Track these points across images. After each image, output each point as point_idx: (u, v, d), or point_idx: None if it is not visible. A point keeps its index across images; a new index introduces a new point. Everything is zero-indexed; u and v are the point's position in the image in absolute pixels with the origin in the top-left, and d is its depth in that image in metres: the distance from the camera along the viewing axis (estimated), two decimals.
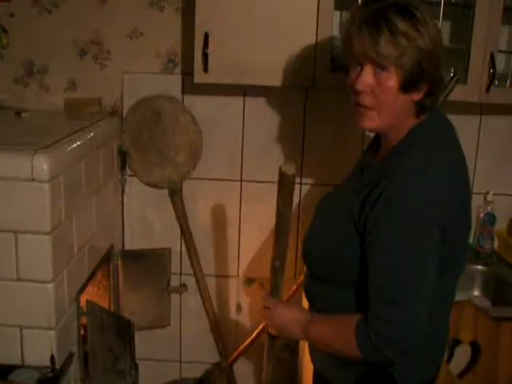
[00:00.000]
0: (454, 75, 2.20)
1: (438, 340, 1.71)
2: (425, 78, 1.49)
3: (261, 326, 2.55)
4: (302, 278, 2.26)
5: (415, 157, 1.50)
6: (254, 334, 2.63)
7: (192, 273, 2.88)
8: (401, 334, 1.45)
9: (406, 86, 1.49)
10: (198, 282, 2.85)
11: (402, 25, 1.44)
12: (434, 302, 1.52)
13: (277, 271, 1.84)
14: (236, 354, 2.77)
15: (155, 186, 2.78)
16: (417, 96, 1.51)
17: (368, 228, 1.51)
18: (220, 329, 2.93)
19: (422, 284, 1.47)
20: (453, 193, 1.51)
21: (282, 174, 1.65)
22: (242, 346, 2.72)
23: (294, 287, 2.54)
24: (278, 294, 1.87)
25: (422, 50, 1.46)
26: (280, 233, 1.78)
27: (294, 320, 1.72)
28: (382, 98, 1.51)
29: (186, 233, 2.80)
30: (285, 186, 1.66)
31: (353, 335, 1.51)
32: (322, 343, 1.67)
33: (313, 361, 1.87)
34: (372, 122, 1.56)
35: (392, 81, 1.49)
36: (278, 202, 1.71)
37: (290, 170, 1.63)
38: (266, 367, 2.12)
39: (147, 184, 2.79)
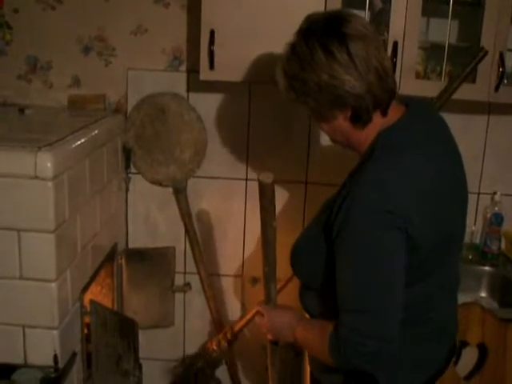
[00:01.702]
0: (482, 48, 2.13)
1: (426, 345, 1.65)
2: (328, 108, 1.51)
3: (254, 310, 2.52)
4: (291, 274, 2.26)
5: (373, 167, 1.47)
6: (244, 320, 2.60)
7: (196, 272, 2.86)
8: (367, 343, 1.44)
9: (320, 119, 1.56)
10: (202, 281, 2.83)
11: (288, 67, 1.52)
12: (414, 308, 1.52)
13: (267, 278, 1.87)
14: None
15: (159, 184, 2.76)
16: (341, 119, 1.53)
17: (333, 239, 1.50)
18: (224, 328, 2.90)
19: (385, 293, 1.45)
20: (416, 197, 1.46)
21: (260, 184, 1.64)
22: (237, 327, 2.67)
23: (283, 283, 2.51)
24: (272, 300, 1.91)
25: (311, 88, 1.49)
26: (266, 241, 1.81)
27: (285, 324, 1.76)
28: (319, 128, 1.63)
29: (190, 231, 2.78)
30: (264, 194, 1.68)
31: (326, 344, 1.52)
32: (306, 347, 1.74)
33: (309, 363, 1.89)
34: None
35: (310, 114, 1.58)
36: (261, 211, 1.73)
37: (268, 178, 1.62)
38: (272, 376, 2.12)
39: (151, 182, 2.77)
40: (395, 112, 1.56)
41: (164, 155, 2.69)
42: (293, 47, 1.51)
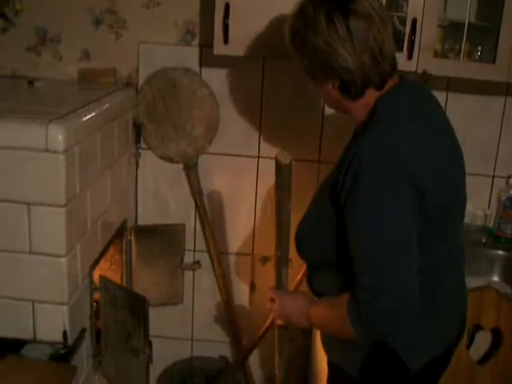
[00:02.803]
0: (424, 72, 2.26)
1: (436, 314, 1.67)
2: (319, 72, 1.59)
3: (268, 322, 2.51)
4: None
5: (375, 129, 1.53)
6: (262, 330, 2.59)
7: (206, 250, 2.83)
8: (388, 302, 1.43)
9: (313, 80, 1.64)
10: (212, 259, 2.80)
11: (294, 23, 1.58)
12: (427, 273, 1.52)
13: (279, 261, 1.86)
14: (245, 353, 2.73)
15: (170, 160, 2.72)
16: (331, 86, 1.59)
17: (342, 204, 1.52)
18: (233, 308, 2.89)
19: (402, 250, 1.46)
20: (421, 154, 1.51)
21: (277, 163, 1.66)
22: (250, 345, 2.68)
23: (299, 277, 2.49)
24: (283, 284, 1.90)
25: (308, 47, 1.55)
26: (280, 223, 1.81)
27: (297, 308, 1.75)
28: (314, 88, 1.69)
29: (200, 209, 2.75)
30: (281, 175, 1.68)
31: (346, 313, 1.50)
32: (322, 327, 1.72)
33: (324, 349, 1.87)
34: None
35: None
36: (275, 192, 1.71)
37: (286, 159, 1.64)
38: (278, 363, 2.11)
39: (162, 158, 2.73)
40: (391, 81, 1.61)
41: (175, 131, 2.65)
42: (301, 7, 1.57)
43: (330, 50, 1.51)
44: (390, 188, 1.45)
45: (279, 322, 1.93)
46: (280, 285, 1.92)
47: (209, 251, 2.80)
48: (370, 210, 1.46)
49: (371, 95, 1.59)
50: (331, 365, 1.85)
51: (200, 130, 2.66)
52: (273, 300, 1.84)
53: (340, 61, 1.52)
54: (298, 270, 2.39)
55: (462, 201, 1.76)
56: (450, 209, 1.63)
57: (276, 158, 1.65)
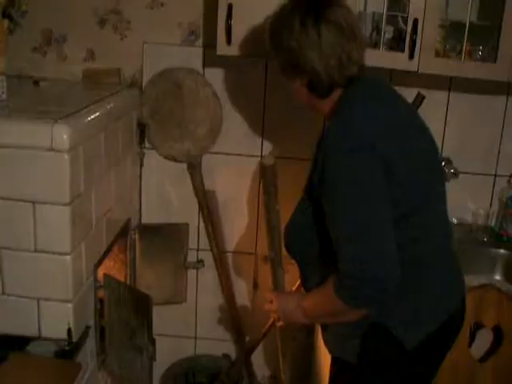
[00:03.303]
0: (418, 94, 2.35)
1: (426, 287, 1.72)
2: (289, 70, 1.73)
3: (271, 320, 2.53)
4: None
5: (338, 117, 1.67)
6: (265, 329, 2.60)
7: (209, 248, 2.85)
8: (369, 266, 1.50)
9: (285, 76, 1.77)
10: (215, 258, 2.82)
11: (273, 23, 1.74)
12: (411, 248, 1.62)
13: (273, 262, 1.90)
14: (248, 351, 2.75)
15: (174, 159, 2.74)
16: (299, 83, 1.73)
17: (317, 192, 1.64)
18: (236, 306, 2.91)
19: (377, 220, 1.54)
20: (382, 129, 1.63)
21: (262, 166, 1.78)
22: (253, 344, 2.68)
23: (298, 282, 2.51)
24: (280, 285, 1.95)
25: (281, 46, 1.69)
26: (270, 225, 1.84)
27: (294, 305, 1.81)
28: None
29: (203, 208, 2.77)
30: (266, 177, 1.73)
31: (332, 289, 1.58)
32: (316, 315, 1.77)
33: (324, 343, 1.91)
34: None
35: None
36: (263, 194, 1.77)
37: (270, 160, 1.75)
38: (283, 366, 2.13)
39: (166, 157, 2.75)
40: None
41: (179, 130, 2.67)
42: (281, 9, 1.73)
43: (301, 51, 1.65)
44: (357, 166, 1.55)
45: (280, 323, 1.98)
46: (277, 285, 1.95)
47: (212, 250, 2.82)
48: (341, 188, 1.56)
49: (338, 94, 1.72)
50: (333, 359, 1.89)
51: (203, 130, 2.68)
52: (271, 301, 1.90)
53: (308, 61, 1.66)
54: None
55: (438, 172, 1.85)
56: (424, 177, 1.71)
57: (261, 162, 1.76)
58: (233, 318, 2.91)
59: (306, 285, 1.86)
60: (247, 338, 2.97)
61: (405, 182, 1.61)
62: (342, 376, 1.83)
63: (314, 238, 1.75)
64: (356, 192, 1.54)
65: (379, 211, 1.55)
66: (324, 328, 1.87)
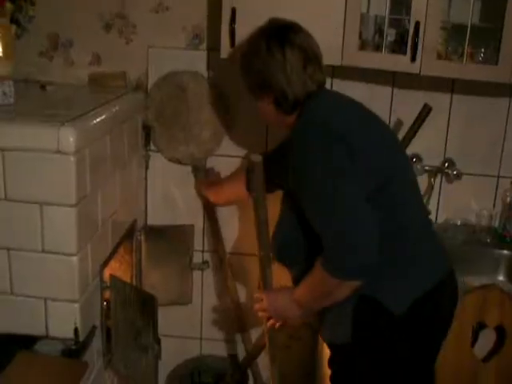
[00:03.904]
0: (424, 106, 2.38)
1: (409, 257, 1.81)
2: (257, 90, 1.91)
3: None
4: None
5: (300, 120, 1.84)
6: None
7: (214, 250, 2.87)
8: (347, 236, 1.60)
9: (253, 95, 1.96)
10: (221, 258, 2.83)
11: (244, 48, 1.95)
12: (388, 216, 1.72)
13: (263, 261, 1.93)
14: (254, 353, 2.77)
15: (179, 162, 2.76)
16: (266, 101, 1.90)
17: (292, 187, 1.78)
18: (242, 306, 2.92)
19: (346, 190, 1.64)
20: (347, 120, 1.81)
21: (249, 163, 1.85)
22: (259, 345, 2.70)
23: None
24: (269, 284, 1.96)
25: (250, 68, 1.90)
26: (259, 223, 1.88)
27: (286, 298, 1.88)
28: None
29: (209, 210, 2.79)
30: (253, 173, 1.79)
31: (322, 269, 1.66)
32: (311, 300, 1.82)
33: (320, 334, 1.99)
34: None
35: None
36: (251, 193, 1.81)
37: (257, 158, 1.82)
38: (272, 371, 2.14)
39: (171, 160, 2.77)
40: None
41: (184, 133, 2.70)
42: (252, 35, 1.92)
43: (266, 73, 1.84)
44: (321, 148, 1.69)
45: (271, 321, 2.02)
46: (266, 284, 1.98)
47: (218, 251, 2.83)
48: (310, 170, 1.68)
49: (300, 108, 1.87)
50: (329, 347, 1.95)
51: (208, 133, 2.70)
52: (261, 300, 1.97)
53: (274, 81, 1.83)
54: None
55: (397, 146, 1.99)
56: (386, 151, 1.85)
57: (248, 158, 1.86)
58: (238, 319, 2.92)
59: (297, 283, 1.89)
60: (253, 339, 2.98)
61: (368, 161, 1.73)
62: (339, 359, 1.89)
63: (300, 239, 1.84)
64: (324, 171, 1.66)
65: (350, 185, 1.65)
66: (319, 320, 1.92)
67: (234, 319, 2.97)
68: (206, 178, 2.73)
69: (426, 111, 2.38)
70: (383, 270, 1.67)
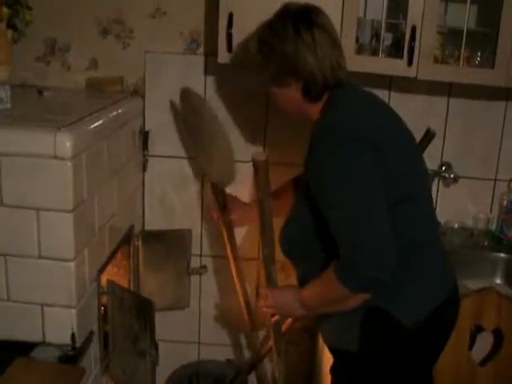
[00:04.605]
0: (428, 131, 2.31)
1: (422, 271, 1.79)
2: (286, 76, 1.79)
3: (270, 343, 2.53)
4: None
5: (328, 115, 1.77)
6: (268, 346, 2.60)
7: (211, 254, 2.89)
8: (366, 248, 1.57)
9: (276, 83, 1.83)
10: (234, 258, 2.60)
11: (263, 35, 1.82)
12: (405, 230, 1.68)
13: (267, 258, 1.92)
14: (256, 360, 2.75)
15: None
16: (293, 89, 1.80)
17: (311, 187, 1.71)
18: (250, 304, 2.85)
19: (370, 200, 1.61)
20: (375, 122, 1.75)
21: (254, 162, 1.81)
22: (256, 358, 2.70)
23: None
24: (273, 282, 1.96)
25: (276, 54, 1.77)
26: (263, 221, 1.87)
27: (291, 298, 1.86)
28: (270, 93, 1.91)
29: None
30: (258, 173, 1.77)
31: (333, 275, 1.63)
32: (317, 304, 1.80)
33: (322, 339, 1.96)
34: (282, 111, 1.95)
35: (265, 82, 1.86)
36: (256, 191, 1.79)
37: (261, 156, 1.80)
38: (277, 364, 2.14)
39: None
40: None
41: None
42: (269, 21, 1.82)
43: (297, 56, 1.74)
44: (349, 155, 1.63)
45: (274, 318, 2.02)
46: (270, 282, 1.97)
47: (232, 252, 2.70)
48: (335, 176, 1.63)
49: (325, 97, 1.81)
50: (332, 352, 1.92)
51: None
52: (266, 297, 1.93)
53: (305, 65, 1.75)
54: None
55: (424, 171, 1.93)
56: (411, 165, 1.81)
57: (252, 157, 1.81)
58: (248, 316, 2.70)
59: (303, 283, 1.87)
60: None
61: (395, 169, 1.69)
62: (343, 367, 1.86)
63: (310, 236, 1.81)
64: (349, 178, 1.61)
65: (373, 196, 1.62)
66: (320, 323, 1.91)
67: (231, 323, 2.97)
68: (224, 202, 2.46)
69: (428, 137, 2.32)
70: (396, 282, 1.63)
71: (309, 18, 1.76)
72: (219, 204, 2.35)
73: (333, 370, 1.93)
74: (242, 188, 2.79)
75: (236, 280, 2.53)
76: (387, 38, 2.42)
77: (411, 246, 1.72)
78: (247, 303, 2.63)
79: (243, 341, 3.03)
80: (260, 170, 1.81)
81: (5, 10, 2.31)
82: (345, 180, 1.62)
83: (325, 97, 1.81)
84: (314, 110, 1.83)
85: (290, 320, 2.34)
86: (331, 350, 1.92)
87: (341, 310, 1.72)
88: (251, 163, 1.82)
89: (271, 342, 2.53)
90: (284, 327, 2.27)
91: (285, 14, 1.80)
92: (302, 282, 1.88)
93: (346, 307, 1.70)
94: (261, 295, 1.97)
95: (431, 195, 1.92)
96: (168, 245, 2.78)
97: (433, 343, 1.85)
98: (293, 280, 2.02)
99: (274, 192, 2.31)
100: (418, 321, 1.74)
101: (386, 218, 1.61)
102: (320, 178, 1.67)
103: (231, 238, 2.46)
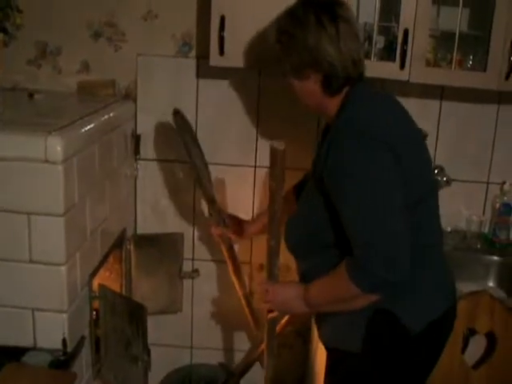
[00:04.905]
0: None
1: (429, 274, 1.77)
2: (305, 67, 1.72)
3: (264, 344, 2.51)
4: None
5: (349, 110, 1.71)
6: (260, 349, 2.59)
7: (204, 258, 2.87)
8: (383, 248, 1.55)
9: (295, 75, 1.76)
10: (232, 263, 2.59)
11: (282, 23, 1.76)
12: (415, 232, 1.62)
13: (272, 251, 1.88)
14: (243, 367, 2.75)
15: None
16: (312, 81, 1.74)
17: (326, 182, 1.65)
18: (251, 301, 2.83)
19: (390, 209, 1.58)
20: (392, 124, 1.72)
21: (272, 150, 1.74)
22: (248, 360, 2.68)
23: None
24: (275, 275, 1.91)
25: (296, 44, 1.71)
26: (273, 211, 1.82)
27: (294, 294, 1.82)
28: (290, 85, 1.82)
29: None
30: (276, 162, 1.73)
31: (345, 275, 1.61)
32: (324, 302, 1.76)
33: (320, 337, 1.92)
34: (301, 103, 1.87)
35: (285, 72, 1.80)
36: (269, 180, 1.75)
37: (280, 145, 1.73)
38: (267, 362, 2.11)
39: None
40: None
41: None
42: (290, 9, 1.75)
43: (318, 47, 1.68)
44: (370, 153, 1.59)
45: (271, 314, 1.96)
46: (272, 275, 1.92)
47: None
48: (355, 174, 1.59)
49: (344, 92, 1.76)
50: (329, 351, 1.89)
51: None
52: (266, 291, 1.88)
53: (327, 57, 1.69)
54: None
55: (433, 179, 1.93)
56: (424, 169, 1.79)
57: (271, 146, 1.74)
58: (250, 312, 2.70)
59: (306, 280, 1.84)
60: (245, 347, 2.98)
61: (411, 172, 1.67)
62: (342, 366, 1.82)
63: (317, 232, 1.77)
64: (370, 177, 1.58)
65: (393, 196, 1.59)
66: (321, 321, 1.88)
67: (224, 327, 2.96)
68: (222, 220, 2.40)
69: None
70: (405, 285, 1.61)
71: (332, 10, 1.70)
72: (218, 220, 2.33)
73: (329, 370, 1.90)
74: (232, 191, 2.80)
75: (236, 282, 2.52)
76: (379, 41, 2.41)
77: (422, 248, 1.69)
78: (249, 304, 2.63)
79: (236, 344, 3.02)
80: (278, 159, 1.75)
81: None
82: (361, 179, 1.59)
83: (344, 91, 1.76)
84: (333, 103, 1.77)
85: (284, 320, 2.32)
86: (328, 348, 1.89)
87: (347, 309, 1.70)
88: (270, 151, 1.76)
89: (263, 345, 2.53)
90: (278, 328, 2.25)
91: (307, 3, 1.73)
92: (305, 278, 1.84)
93: (352, 307, 1.68)
94: (261, 289, 1.91)
95: (438, 202, 1.89)
96: (160, 249, 2.77)
97: (433, 350, 1.83)
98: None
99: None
100: (423, 326, 1.72)
101: (402, 219, 1.59)
102: (337, 174, 1.63)
103: (231, 253, 2.47)
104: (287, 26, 1.74)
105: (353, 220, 1.61)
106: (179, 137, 2.31)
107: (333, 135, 1.68)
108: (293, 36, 1.71)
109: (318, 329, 1.92)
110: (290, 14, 1.75)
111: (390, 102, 1.85)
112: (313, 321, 2.44)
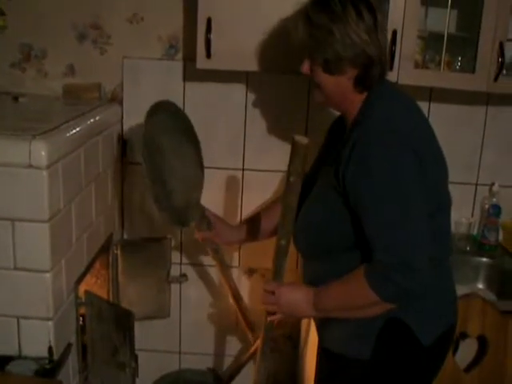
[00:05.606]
0: None
1: (441, 288, 1.77)
2: (344, 63, 1.65)
3: (253, 348, 2.49)
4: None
5: (374, 108, 1.66)
6: (249, 353, 2.57)
7: (192, 262, 2.85)
8: (405, 253, 1.52)
9: (329, 70, 1.67)
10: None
11: (315, 17, 1.64)
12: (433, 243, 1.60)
13: (282, 251, 1.81)
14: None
15: None
16: (347, 76, 1.67)
17: (347, 183, 1.60)
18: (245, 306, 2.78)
19: (415, 206, 1.56)
20: (416, 127, 1.70)
21: (295, 144, 1.67)
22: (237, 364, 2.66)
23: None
24: (281, 276, 1.84)
25: (335, 39, 1.62)
26: (287, 207, 1.75)
27: (302, 297, 1.75)
28: (316, 80, 1.72)
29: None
30: (297, 156, 1.68)
31: (364, 282, 1.57)
32: (336, 308, 1.70)
33: (321, 339, 1.87)
34: (318, 98, 1.78)
35: (314, 67, 1.70)
36: (288, 174, 1.69)
37: (304, 140, 1.66)
38: (259, 365, 2.07)
39: None
40: None
41: None
42: (324, 1, 1.65)
43: (358, 41, 1.62)
44: (397, 158, 1.56)
45: (274, 317, 1.87)
46: (278, 276, 1.85)
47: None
48: (381, 177, 1.55)
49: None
50: (331, 357, 1.81)
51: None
52: (271, 292, 1.80)
53: (367, 50, 1.63)
54: None
55: (449, 195, 1.86)
56: (444, 180, 1.81)
57: (294, 139, 1.68)
58: (242, 314, 2.62)
59: (314, 283, 1.78)
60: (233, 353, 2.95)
61: (434, 181, 1.67)
62: (345, 373, 1.78)
63: (331, 235, 1.71)
64: (396, 181, 1.55)
65: (418, 202, 1.57)
66: (325, 324, 1.82)
67: (212, 332, 2.94)
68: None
69: None
70: (419, 295, 1.58)
71: (369, 1, 1.64)
72: (200, 224, 2.25)
73: (330, 375, 1.84)
74: (220, 194, 2.78)
75: (226, 284, 2.49)
76: None
77: (436, 260, 1.65)
78: (240, 307, 2.57)
79: (224, 349, 3.00)
80: (300, 153, 1.69)
81: None
82: (391, 181, 1.56)
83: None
84: (358, 99, 1.71)
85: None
86: (331, 354, 1.81)
87: (358, 316, 1.65)
88: (292, 144, 1.69)
89: (252, 349, 2.51)
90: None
91: None
92: (314, 281, 1.78)
93: (365, 315, 1.63)
94: (266, 290, 1.82)
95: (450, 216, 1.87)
96: (148, 253, 2.74)
97: (440, 361, 1.81)
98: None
99: (265, 209, 2.25)
100: (434, 338, 1.71)
101: (424, 226, 1.56)
102: (363, 172, 1.58)
103: (217, 257, 2.42)
104: (323, 19, 1.63)
105: (373, 223, 1.58)
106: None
107: (362, 133, 1.61)
108: (331, 32, 1.62)
109: (320, 332, 1.87)
110: (325, 6, 1.64)
111: (415, 105, 1.82)
112: (304, 323, 2.44)
